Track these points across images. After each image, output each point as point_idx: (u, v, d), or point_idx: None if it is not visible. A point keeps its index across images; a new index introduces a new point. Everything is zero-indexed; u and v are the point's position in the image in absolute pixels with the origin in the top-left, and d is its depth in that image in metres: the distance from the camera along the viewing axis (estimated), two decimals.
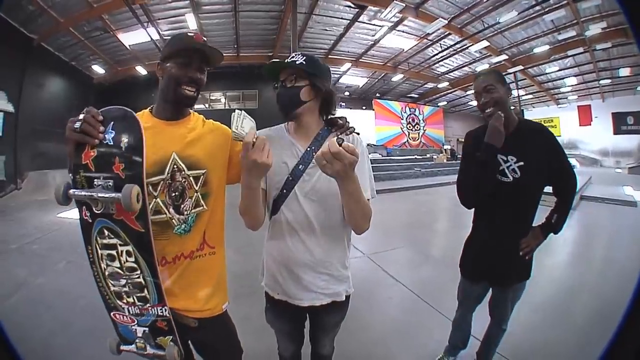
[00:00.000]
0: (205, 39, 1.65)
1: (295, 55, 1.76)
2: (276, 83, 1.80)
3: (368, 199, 1.73)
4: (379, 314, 4.10)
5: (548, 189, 2.35)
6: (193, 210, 1.68)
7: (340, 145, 1.35)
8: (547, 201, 2.38)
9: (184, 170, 1.64)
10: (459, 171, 2.49)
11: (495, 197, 2.27)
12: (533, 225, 2.38)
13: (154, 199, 1.59)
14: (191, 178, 1.66)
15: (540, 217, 2.38)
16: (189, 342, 1.86)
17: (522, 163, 2.21)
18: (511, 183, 2.22)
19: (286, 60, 1.74)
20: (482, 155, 2.18)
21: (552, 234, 2.38)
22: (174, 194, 1.63)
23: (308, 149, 1.78)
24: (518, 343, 2.98)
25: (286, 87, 1.74)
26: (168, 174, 1.61)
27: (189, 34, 1.64)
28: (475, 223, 2.55)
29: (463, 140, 2.51)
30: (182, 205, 1.65)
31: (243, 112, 1.48)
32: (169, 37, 1.75)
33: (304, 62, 1.71)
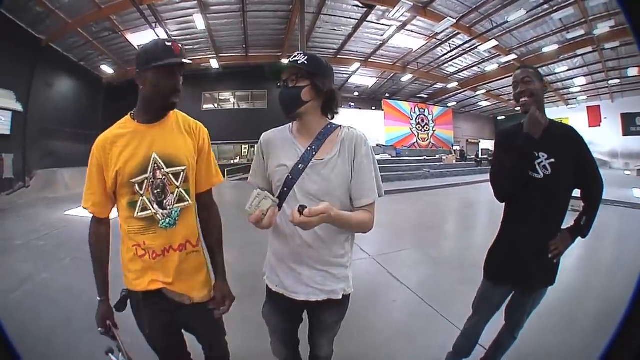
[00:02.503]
0: (180, 46, 1.76)
1: (298, 54, 1.76)
2: (279, 82, 1.81)
3: (372, 202, 1.77)
4: (382, 316, 4.06)
5: (575, 193, 2.34)
6: (176, 205, 1.82)
7: (301, 212, 1.44)
8: (574, 206, 2.34)
9: (163, 168, 1.78)
10: (492, 164, 2.47)
11: (525, 194, 2.25)
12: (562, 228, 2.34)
13: (141, 197, 1.76)
14: (170, 175, 1.80)
15: (567, 221, 2.34)
16: (182, 330, 2.06)
17: (552, 160, 2.20)
18: (542, 180, 2.21)
19: (289, 60, 1.75)
20: (520, 142, 2.18)
21: (579, 237, 2.35)
22: (156, 191, 1.78)
23: (309, 148, 1.78)
24: (522, 348, 2.92)
25: (288, 87, 1.75)
26: (150, 172, 1.76)
27: (167, 43, 1.72)
28: (504, 222, 2.48)
29: (495, 138, 2.50)
30: (165, 201, 1.79)
31: (266, 193, 1.55)
32: (147, 44, 1.79)
33: (305, 62, 1.71)
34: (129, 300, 1.91)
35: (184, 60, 1.72)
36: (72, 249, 6.27)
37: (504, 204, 2.44)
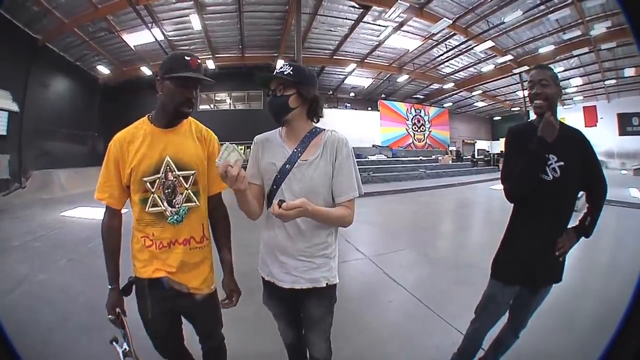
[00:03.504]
0: (199, 61, 1.93)
1: (284, 65, 1.96)
2: (268, 91, 2.00)
3: (351, 199, 1.97)
4: (378, 317, 4.06)
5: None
6: (184, 205, 2.00)
7: (280, 206, 1.67)
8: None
9: (174, 171, 1.96)
10: (503, 164, 2.51)
11: (535, 196, 2.28)
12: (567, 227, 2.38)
13: (152, 194, 1.95)
14: (181, 177, 1.98)
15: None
16: (181, 316, 2.21)
17: (562, 163, 2.24)
18: (551, 182, 2.24)
19: (275, 71, 1.96)
20: (533, 146, 2.20)
21: (583, 237, 2.40)
22: (166, 191, 1.96)
23: (295, 150, 1.99)
24: (521, 348, 2.92)
25: (276, 96, 1.94)
26: (162, 173, 1.94)
27: (186, 57, 1.88)
28: (513, 223, 2.50)
29: (505, 136, 2.51)
30: (174, 200, 1.98)
31: (234, 146, 1.68)
32: (169, 55, 2.05)
33: (291, 72, 1.91)
34: (134, 287, 2.07)
35: (198, 76, 1.88)
36: (68, 250, 6.29)
37: (511, 205, 2.47)
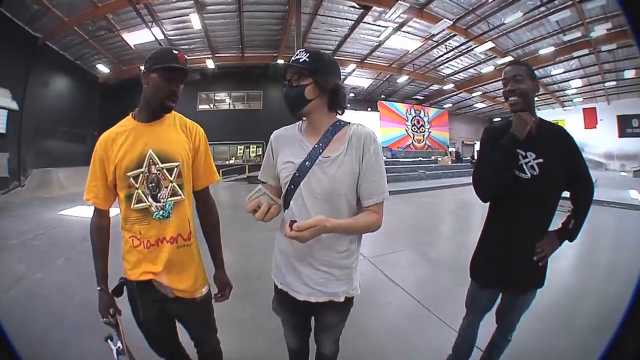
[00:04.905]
0: (186, 57, 1.92)
1: (300, 52, 1.77)
2: (284, 82, 1.83)
3: (378, 203, 1.78)
4: (377, 319, 4.04)
5: (565, 193, 2.29)
6: (170, 199, 1.94)
7: (292, 227, 1.55)
8: (564, 206, 2.30)
9: (157, 164, 1.91)
10: (476, 163, 2.43)
11: (512, 194, 2.20)
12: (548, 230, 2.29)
13: (136, 190, 1.90)
14: (165, 170, 1.92)
15: (556, 223, 2.31)
16: (174, 320, 2.17)
17: (540, 160, 2.15)
18: (529, 180, 2.16)
19: (291, 59, 1.78)
20: (504, 142, 2.14)
21: (566, 241, 2.31)
22: (150, 185, 1.91)
23: (316, 145, 1.79)
24: (520, 352, 2.91)
25: (292, 87, 1.77)
26: (146, 167, 1.89)
27: (174, 51, 1.86)
28: (489, 223, 2.44)
29: (481, 136, 2.45)
30: (159, 194, 1.92)
31: (267, 192, 1.65)
32: (155, 49, 2.00)
33: (307, 60, 1.72)
34: (125, 287, 2.02)
35: (184, 67, 1.85)
36: (66, 248, 6.28)
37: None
